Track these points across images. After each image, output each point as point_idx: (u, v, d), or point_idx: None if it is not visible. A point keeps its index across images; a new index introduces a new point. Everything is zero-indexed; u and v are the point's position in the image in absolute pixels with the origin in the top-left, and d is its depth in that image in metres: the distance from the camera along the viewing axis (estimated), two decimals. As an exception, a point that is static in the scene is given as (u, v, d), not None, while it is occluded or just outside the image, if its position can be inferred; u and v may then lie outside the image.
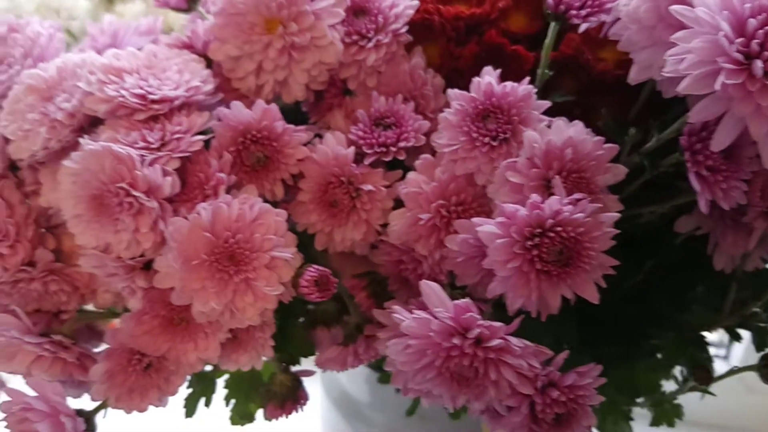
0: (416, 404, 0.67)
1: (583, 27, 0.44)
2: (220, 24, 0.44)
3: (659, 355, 0.53)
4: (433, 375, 0.37)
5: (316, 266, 0.40)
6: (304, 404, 0.50)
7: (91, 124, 0.43)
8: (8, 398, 0.38)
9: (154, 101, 0.40)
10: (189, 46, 0.46)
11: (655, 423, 0.51)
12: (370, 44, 0.44)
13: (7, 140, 0.43)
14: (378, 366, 0.64)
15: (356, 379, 0.74)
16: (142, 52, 0.43)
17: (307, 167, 0.43)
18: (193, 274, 0.38)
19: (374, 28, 0.45)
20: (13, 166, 0.44)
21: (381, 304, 0.45)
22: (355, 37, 0.45)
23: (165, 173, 0.39)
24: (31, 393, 0.38)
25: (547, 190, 0.39)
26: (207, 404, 0.50)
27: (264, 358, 0.45)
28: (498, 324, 0.35)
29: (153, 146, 0.39)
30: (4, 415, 0.38)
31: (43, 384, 0.37)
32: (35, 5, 0.70)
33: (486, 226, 0.36)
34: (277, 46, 0.43)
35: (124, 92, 0.40)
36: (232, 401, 0.53)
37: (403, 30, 0.45)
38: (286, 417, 0.50)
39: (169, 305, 0.40)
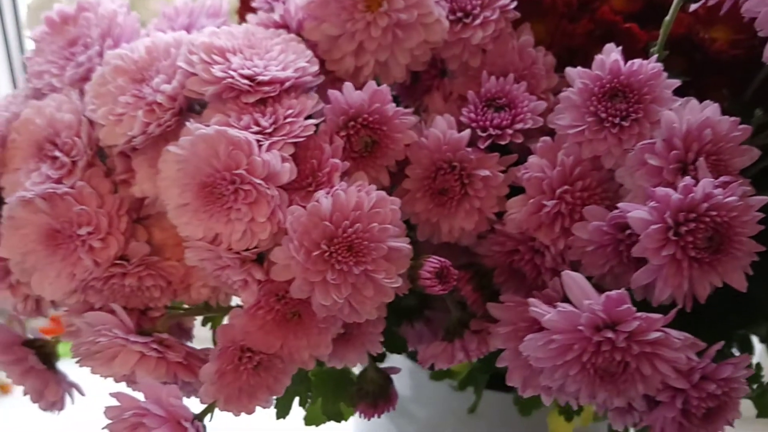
0: (478, 401, 0.65)
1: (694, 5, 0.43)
2: (319, 2, 0.42)
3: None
4: (576, 371, 0.36)
5: (436, 257, 0.39)
6: (395, 403, 0.49)
7: (187, 108, 0.41)
8: (116, 403, 0.36)
9: (263, 82, 0.38)
10: (282, 26, 0.44)
11: (761, 414, 0.50)
12: (477, 21, 0.43)
13: (92, 124, 0.41)
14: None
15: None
16: (239, 32, 0.41)
17: (415, 153, 0.42)
18: (314, 266, 0.37)
19: (480, 4, 0.43)
20: (100, 154, 0.41)
21: (486, 298, 0.44)
22: (459, 14, 0.43)
23: (282, 159, 0.36)
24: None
25: (683, 174, 0.38)
26: (302, 404, 0.48)
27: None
28: (656, 316, 0.34)
29: (267, 130, 0.37)
30: (110, 421, 0.36)
31: (157, 387, 0.35)
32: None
33: (637, 212, 0.35)
34: (382, 24, 0.42)
35: (232, 72, 0.38)
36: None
37: (512, 6, 0.43)
38: (378, 417, 0.49)
39: (283, 299, 0.38)
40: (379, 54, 0.43)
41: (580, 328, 0.35)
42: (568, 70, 0.41)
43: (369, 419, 0.48)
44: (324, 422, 0.54)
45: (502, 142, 0.41)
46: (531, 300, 0.37)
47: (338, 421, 0.50)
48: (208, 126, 0.37)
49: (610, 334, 0.34)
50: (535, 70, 0.43)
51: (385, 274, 0.38)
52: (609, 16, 0.44)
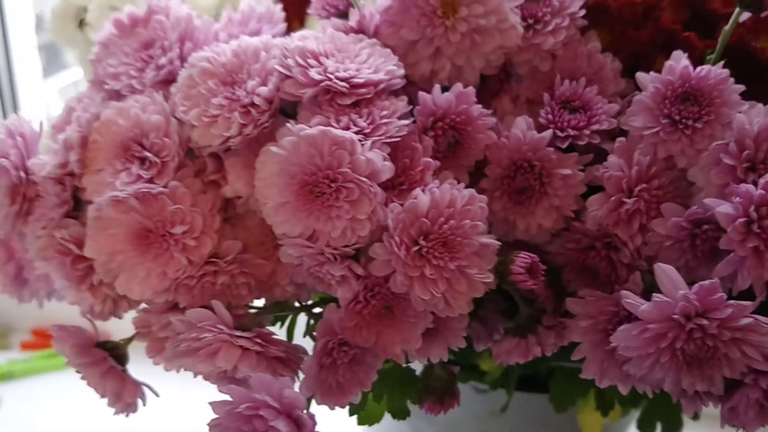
0: (509, 400, 0.67)
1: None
2: (398, 8, 0.45)
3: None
4: (667, 358, 0.38)
5: (525, 253, 0.41)
6: (459, 400, 0.51)
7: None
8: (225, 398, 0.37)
9: (358, 85, 0.40)
10: (358, 31, 0.46)
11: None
12: (549, 28, 0.45)
13: (181, 124, 0.42)
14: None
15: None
16: (325, 37, 0.43)
17: (495, 153, 0.44)
18: (412, 261, 0.39)
19: (550, 12, 0.46)
20: (189, 154, 0.43)
21: (558, 294, 0.47)
22: (530, 21, 0.46)
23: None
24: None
25: (753, 173, 0.41)
26: (376, 399, 0.50)
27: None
28: (746, 303, 0.37)
29: (366, 131, 0.39)
30: (218, 416, 0.38)
31: (268, 379, 0.37)
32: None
33: (723, 207, 0.38)
34: (461, 29, 0.44)
35: (330, 75, 0.40)
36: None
37: (580, 14, 0.46)
38: (444, 413, 0.51)
39: (379, 294, 0.40)
40: (456, 58, 0.45)
41: (675, 316, 0.37)
42: (639, 75, 0.44)
43: (436, 415, 0.50)
44: (377, 422, 0.56)
45: (580, 143, 0.44)
46: (624, 293, 0.39)
47: (403, 418, 0.52)
48: (309, 127, 0.39)
49: (704, 321, 0.37)
50: (603, 74, 0.46)
51: (478, 269, 0.40)
52: (670, 25, 0.47)
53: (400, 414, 0.52)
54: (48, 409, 0.98)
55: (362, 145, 0.39)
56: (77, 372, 0.46)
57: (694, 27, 0.49)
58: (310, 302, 0.48)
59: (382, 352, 0.41)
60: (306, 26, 0.65)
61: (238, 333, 0.39)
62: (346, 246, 0.39)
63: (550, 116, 0.44)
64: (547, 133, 0.43)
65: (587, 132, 0.44)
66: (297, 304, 0.47)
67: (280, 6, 0.54)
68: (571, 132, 0.44)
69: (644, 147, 0.43)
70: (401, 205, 0.39)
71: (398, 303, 0.41)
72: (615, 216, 0.43)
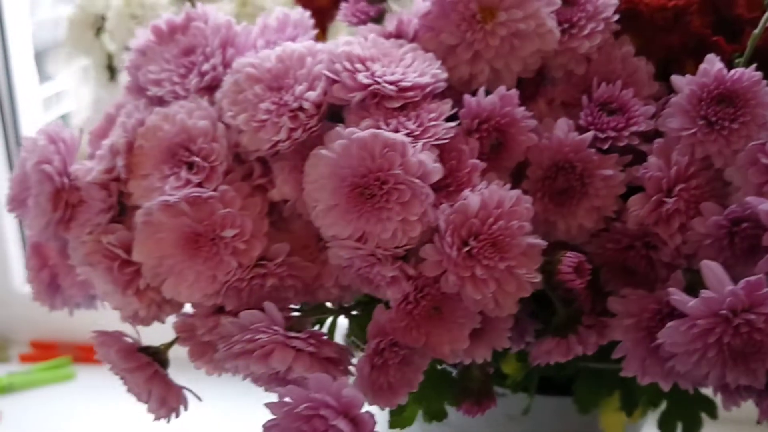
0: (530, 402, 0.68)
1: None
2: (437, 13, 0.46)
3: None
4: (714, 353, 0.40)
5: (573, 252, 0.42)
6: (496, 401, 0.52)
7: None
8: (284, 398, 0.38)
9: (406, 88, 0.41)
10: (397, 36, 0.47)
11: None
12: (585, 32, 0.47)
13: (227, 129, 0.43)
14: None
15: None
16: (368, 42, 0.44)
17: (536, 154, 0.45)
18: (463, 261, 0.40)
19: (585, 17, 0.47)
20: (236, 159, 0.44)
21: (596, 294, 0.48)
22: (565, 26, 0.47)
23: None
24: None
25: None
26: (417, 401, 0.51)
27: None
28: (792, 297, 0.38)
29: (415, 133, 0.40)
30: (274, 417, 0.39)
31: (326, 380, 0.37)
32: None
33: (765, 205, 0.40)
34: (501, 33, 0.45)
35: (378, 79, 0.41)
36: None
37: (614, 18, 0.47)
38: (482, 414, 0.52)
39: (429, 295, 0.41)
40: (495, 62, 0.46)
41: (722, 312, 0.39)
42: (675, 77, 0.45)
43: (473, 417, 0.51)
44: (410, 425, 0.56)
45: (620, 144, 0.45)
46: (670, 290, 0.41)
47: (440, 420, 0.53)
48: (359, 130, 0.40)
49: (751, 316, 0.38)
50: (637, 77, 0.48)
51: (526, 269, 0.41)
52: (700, 30, 0.49)
53: (438, 416, 0.53)
54: (49, 421, 0.99)
55: (413, 147, 0.40)
56: (121, 377, 0.46)
57: (719, 31, 0.51)
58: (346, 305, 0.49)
59: (431, 352, 0.42)
60: (328, 35, 0.67)
61: (292, 334, 0.40)
62: (397, 247, 0.40)
63: (589, 118, 0.46)
64: (589, 135, 0.44)
65: (626, 133, 0.45)
66: (336, 307, 0.48)
67: (308, 13, 0.55)
68: (611, 133, 0.45)
69: (682, 148, 0.44)
70: (451, 206, 0.40)
71: (447, 304, 0.42)
72: (656, 215, 0.44)
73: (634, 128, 0.45)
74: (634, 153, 0.46)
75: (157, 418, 0.47)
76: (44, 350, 1.14)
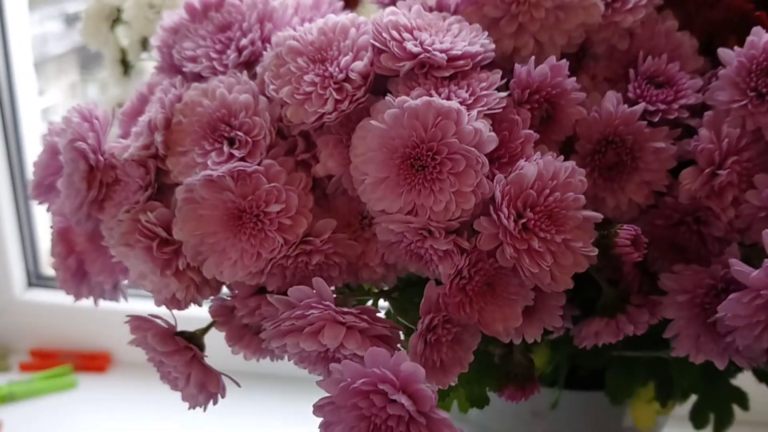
0: (559, 395, 0.67)
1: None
2: (480, -15, 0.45)
3: None
4: (777, 323, 0.39)
5: (629, 225, 0.41)
6: (539, 387, 0.51)
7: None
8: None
9: (457, 57, 0.41)
10: (438, 10, 0.46)
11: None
12: (628, 6, 0.46)
13: (269, 102, 0.42)
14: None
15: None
16: (412, 12, 0.43)
17: (585, 128, 0.45)
18: (520, 234, 0.39)
19: (629, -10, 0.47)
20: (279, 134, 0.43)
21: (643, 273, 0.47)
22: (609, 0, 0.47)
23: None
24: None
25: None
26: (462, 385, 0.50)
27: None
28: None
29: (467, 102, 0.39)
30: (327, 395, 0.37)
31: (384, 355, 0.36)
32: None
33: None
34: (546, 5, 0.45)
35: (428, 47, 0.40)
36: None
37: (658, -8, 0.47)
38: (525, 400, 0.51)
39: (482, 270, 0.40)
40: (539, 35, 0.46)
41: (788, 281, 0.38)
42: (722, 50, 0.45)
43: (517, 402, 0.50)
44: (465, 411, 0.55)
45: (670, 117, 0.45)
46: (732, 260, 0.40)
47: (481, 406, 0.52)
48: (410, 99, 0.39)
49: (818, 285, 0.38)
50: (681, 52, 0.47)
51: (582, 243, 0.40)
52: (743, 5, 0.48)
53: (480, 402, 0.52)
54: (50, 431, 0.98)
55: (468, 115, 0.39)
56: (156, 363, 0.45)
57: (762, 6, 0.50)
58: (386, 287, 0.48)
59: (485, 329, 0.41)
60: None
61: (344, 310, 0.38)
62: (450, 220, 0.39)
63: (638, 90, 0.45)
64: (640, 107, 0.44)
65: (676, 106, 0.45)
66: (377, 290, 0.47)
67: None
68: (661, 106, 0.44)
69: (732, 120, 0.44)
70: (506, 177, 0.39)
71: (500, 280, 0.41)
72: (708, 188, 0.44)
73: (683, 101, 0.45)
74: (683, 128, 0.46)
75: (193, 406, 0.46)
76: (45, 359, 1.12)
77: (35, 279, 1.17)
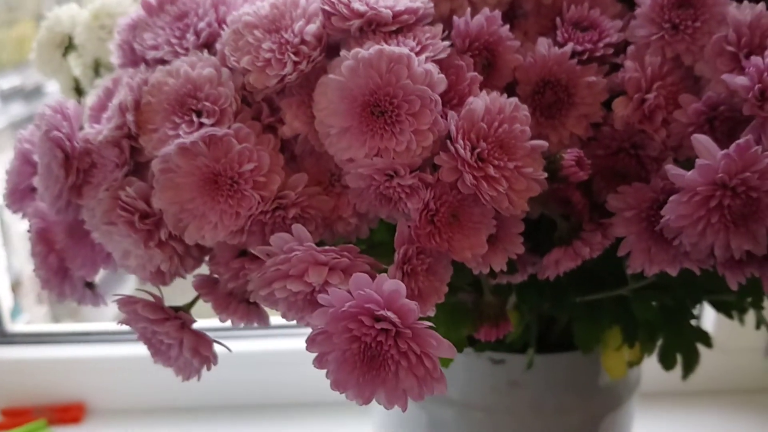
0: (532, 356, 0.68)
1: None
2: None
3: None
4: (716, 218, 0.42)
5: (570, 149, 0.45)
6: (512, 325, 0.54)
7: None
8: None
9: (400, 12, 0.44)
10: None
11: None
12: (548, -36, 0.51)
13: (232, 73, 0.45)
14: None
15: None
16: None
17: (524, 72, 0.48)
18: (476, 163, 0.42)
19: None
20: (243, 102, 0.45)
21: (591, 206, 0.51)
22: (530, -41, 0.51)
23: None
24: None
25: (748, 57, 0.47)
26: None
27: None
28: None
29: (415, 50, 0.43)
30: (318, 327, 0.39)
31: (366, 279, 0.38)
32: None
33: (740, 79, 0.43)
34: (476, -30, 0.49)
35: (373, 5, 0.43)
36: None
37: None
38: (501, 338, 0.53)
39: (447, 202, 0.43)
40: (476, -4, 0.50)
41: (720, 175, 0.42)
42: (635, -9, 0.49)
43: (493, 341, 0.53)
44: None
45: (597, 55, 0.49)
46: (668, 166, 0.44)
47: (460, 350, 0.54)
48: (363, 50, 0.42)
49: (746, 174, 0.41)
50: (601, 0, 0.51)
51: (534, 168, 0.44)
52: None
53: (459, 346, 0.54)
54: None
55: (417, 59, 0.42)
56: (148, 338, 0.46)
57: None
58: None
59: (454, 256, 0.44)
60: None
61: (325, 248, 0.41)
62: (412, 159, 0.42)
63: (566, 35, 0.49)
64: (569, 47, 0.48)
65: (601, 45, 0.49)
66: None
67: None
68: (588, 45, 0.49)
69: (653, 50, 0.48)
70: (458, 114, 0.42)
71: (463, 210, 0.44)
72: (639, 113, 0.48)
73: (607, 39, 0.49)
74: (609, 66, 0.50)
75: (187, 377, 0.47)
76: (17, 417, 1.10)
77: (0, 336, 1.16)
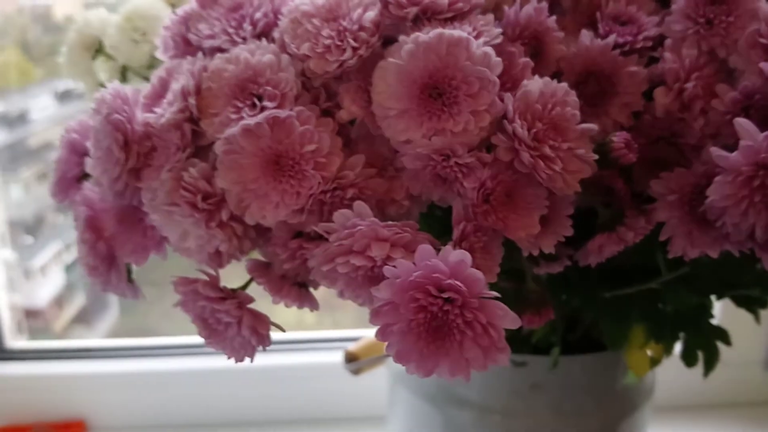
0: (557, 355, 0.70)
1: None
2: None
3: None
4: (759, 198, 0.44)
5: (619, 132, 0.47)
6: (554, 312, 0.55)
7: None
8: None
9: (456, 0, 0.46)
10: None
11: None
12: (587, -38, 0.53)
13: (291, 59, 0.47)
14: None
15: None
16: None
17: (568, 63, 0.51)
18: (533, 143, 0.44)
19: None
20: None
21: (632, 192, 0.53)
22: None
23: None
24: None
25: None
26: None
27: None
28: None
29: (472, 35, 0.45)
30: (383, 298, 0.41)
31: (431, 250, 0.40)
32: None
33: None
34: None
35: (437, -6, 0.45)
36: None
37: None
38: (542, 325, 0.55)
39: (502, 181, 0.45)
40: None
41: (763, 156, 0.44)
42: (673, -9, 0.52)
43: (536, 327, 0.54)
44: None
45: (637, 47, 0.51)
46: (712, 149, 0.46)
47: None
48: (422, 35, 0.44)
49: (784, 157, 0.44)
50: (638, -4, 0.54)
51: (585, 150, 0.46)
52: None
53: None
54: None
55: (475, 42, 0.44)
56: (205, 318, 0.47)
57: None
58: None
59: (510, 234, 0.45)
60: None
61: (388, 223, 0.42)
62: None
63: (607, 28, 0.51)
64: (611, 38, 0.50)
65: (641, 37, 0.51)
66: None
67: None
68: (628, 38, 0.51)
69: (689, 44, 0.51)
70: (513, 95, 0.44)
71: (517, 191, 0.46)
72: (679, 102, 0.50)
73: (646, 32, 0.51)
74: (647, 60, 0.53)
75: (240, 359, 0.48)
76: (16, 435, 1.09)
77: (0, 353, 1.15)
